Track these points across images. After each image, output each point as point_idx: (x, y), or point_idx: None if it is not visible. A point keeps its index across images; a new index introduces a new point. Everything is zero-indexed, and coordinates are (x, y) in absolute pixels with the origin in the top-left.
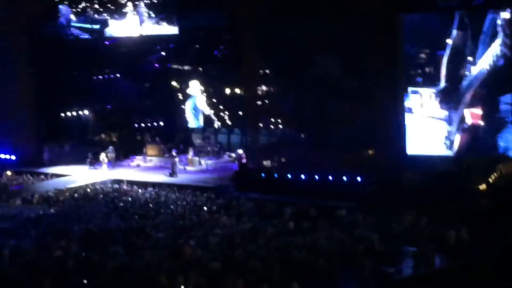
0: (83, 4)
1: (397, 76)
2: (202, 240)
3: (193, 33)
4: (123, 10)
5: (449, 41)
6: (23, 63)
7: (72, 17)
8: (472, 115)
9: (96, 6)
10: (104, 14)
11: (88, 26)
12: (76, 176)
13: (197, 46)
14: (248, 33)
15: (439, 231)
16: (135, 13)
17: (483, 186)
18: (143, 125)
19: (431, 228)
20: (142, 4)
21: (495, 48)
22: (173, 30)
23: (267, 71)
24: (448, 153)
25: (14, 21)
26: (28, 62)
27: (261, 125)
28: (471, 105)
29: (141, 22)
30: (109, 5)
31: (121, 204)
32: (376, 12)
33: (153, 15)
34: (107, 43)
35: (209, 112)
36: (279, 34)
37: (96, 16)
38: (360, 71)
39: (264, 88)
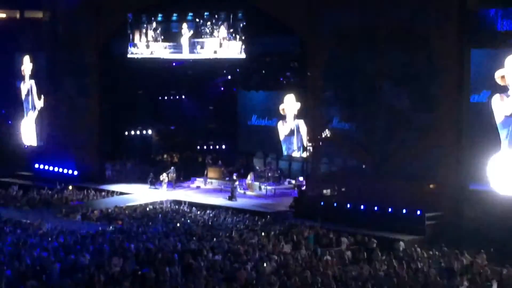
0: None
1: (463, 109)
2: (258, 265)
3: (260, 58)
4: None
5: None
6: (93, 79)
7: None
8: None
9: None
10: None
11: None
12: (136, 194)
13: (263, 71)
14: (317, 60)
15: (496, 269)
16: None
17: None
18: (205, 147)
19: (489, 266)
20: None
21: None
22: (241, 54)
23: (333, 99)
24: None
25: (89, 37)
26: (97, 79)
27: (323, 152)
28: None
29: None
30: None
31: (179, 224)
32: (450, 47)
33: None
34: (174, 64)
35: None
36: (349, 63)
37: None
38: (429, 103)
39: (328, 116)
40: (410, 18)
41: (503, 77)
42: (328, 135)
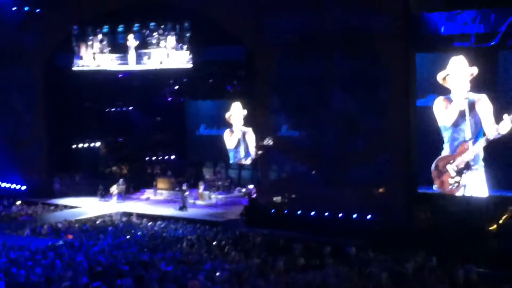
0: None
1: (410, 113)
2: (210, 274)
3: (207, 67)
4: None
5: None
6: (39, 93)
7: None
8: None
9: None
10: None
11: None
12: (86, 207)
13: (211, 80)
14: (264, 68)
15: (448, 271)
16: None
17: (493, 227)
18: (154, 158)
19: (440, 268)
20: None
21: None
22: (187, 64)
23: (281, 107)
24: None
25: (34, 51)
26: (43, 92)
27: (272, 160)
28: None
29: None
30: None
31: (130, 236)
32: (394, 51)
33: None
34: (121, 75)
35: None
36: (296, 70)
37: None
38: (377, 108)
39: (277, 123)
40: (356, 23)
41: (444, 78)
42: (278, 143)
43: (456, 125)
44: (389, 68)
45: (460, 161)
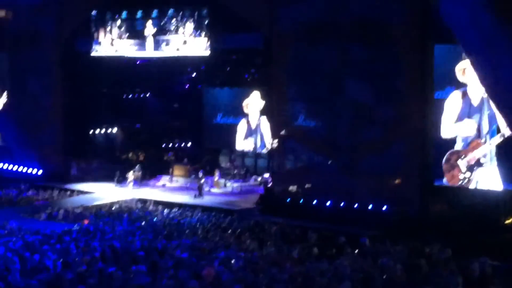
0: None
1: (427, 104)
2: (225, 262)
3: (224, 55)
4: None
5: None
6: (57, 77)
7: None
8: None
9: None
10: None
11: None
12: (102, 193)
13: (228, 68)
14: (281, 57)
15: (463, 263)
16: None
17: (508, 220)
18: (170, 145)
19: (454, 260)
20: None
21: None
22: (205, 51)
23: (297, 95)
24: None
25: (52, 36)
26: (61, 78)
27: (288, 149)
28: None
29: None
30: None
31: (145, 223)
32: (411, 41)
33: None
34: (138, 62)
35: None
36: (312, 59)
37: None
38: (393, 99)
39: (293, 112)
40: (373, 12)
41: (463, 70)
42: (294, 132)
43: (470, 120)
44: (405, 58)
45: (472, 157)
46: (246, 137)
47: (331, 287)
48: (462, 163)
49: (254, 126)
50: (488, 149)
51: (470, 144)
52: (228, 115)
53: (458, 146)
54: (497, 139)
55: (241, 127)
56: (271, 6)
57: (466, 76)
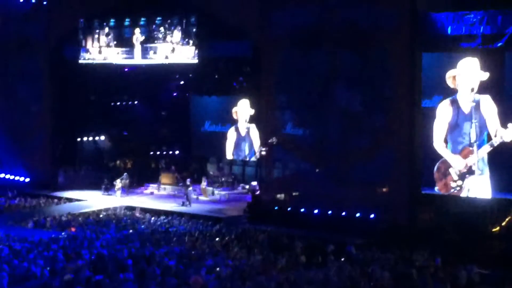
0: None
1: (415, 113)
2: (213, 270)
3: (212, 63)
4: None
5: None
6: (45, 84)
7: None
8: None
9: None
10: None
11: None
12: (89, 201)
13: (216, 76)
14: (270, 65)
15: (450, 271)
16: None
17: (496, 228)
18: (158, 153)
19: (442, 268)
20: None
21: None
22: (193, 59)
23: (286, 103)
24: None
25: (41, 43)
26: (49, 85)
27: (276, 157)
28: None
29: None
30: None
31: (133, 231)
32: (399, 49)
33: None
34: (126, 69)
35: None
36: (301, 67)
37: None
38: (382, 107)
39: (282, 120)
40: (363, 20)
41: (454, 78)
42: (282, 140)
43: (460, 128)
44: (394, 66)
45: (463, 165)
46: (235, 145)
47: None
48: (453, 171)
49: (243, 134)
50: (477, 157)
51: (461, 152)
52: (216, 123)
53: (449, 154)
54: (487, 147)
55: (231, 135)
56: (259, 14)
57: (457, 84)
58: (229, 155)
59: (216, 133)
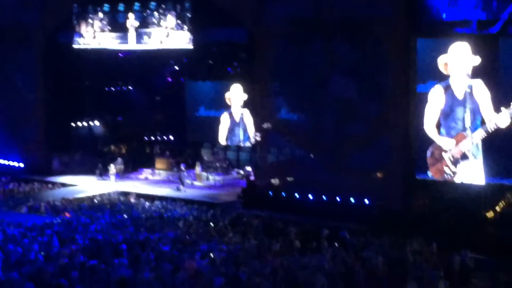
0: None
1: (410, 99)
2: (207, 255)
3: (207, 49)
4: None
5: None
6: (40, 70)
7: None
8: None
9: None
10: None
11: None
12: (84, 186)
13: (211, 61)
14: (265, 51)
15: (444, 257)
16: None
17: (490, 214)
18: (153, 138)
19: (436, 253)
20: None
21: None
22: (188, 44)
23: (281, 90)
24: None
25: (35, 29)
26: (44, 70)
27: (271, 143)
28: None
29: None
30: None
31: (127, 216)
32: (395, 36)
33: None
34: (121, 55)
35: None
36: (297, 54)
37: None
38: (376, 93)
39: (277, 106)
40: (358, 7)
41: (446, 64)
42: (277, 126)
43: (454, 113)
44: (389, 53)
45: (457, 151)
46: (229, 130)
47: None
48: (447, 156)
49: (237, 120)
50: (471, 142)
51: (455, 137)
52: (210, 108)
53: (443, 139)
54: (481, 132)
55: (224, 120)
56: (256, 1)
57: (449, 70)
58: (222, 141)
59: (210, 118)
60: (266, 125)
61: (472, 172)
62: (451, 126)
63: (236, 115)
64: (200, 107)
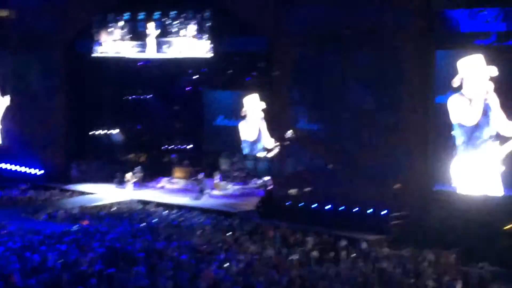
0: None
1: (428, 110)
2: (224, 265)
3: (226, 58)
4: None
5: None
6: (59, 78)
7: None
8: None
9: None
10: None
11: None
12: (102, 194)
13: (230, 71)
14: (284, 61)
15: (462, 269)
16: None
17: (508, 226)
18: (171, 147)
19: (454, 265)
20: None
21: None
22: (207, 53)
23: (299, 99)
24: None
25: (55, 37)
26: (63, 78)
27: (289, 152)
28: None
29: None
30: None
31: (145, 224)
32: (414, 47)
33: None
34: (140, 63)
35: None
36: (316, 64)
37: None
38: (395, 104)
39: (295, 116)
40: (377, 17)
41: (462, 79)
42: (295, 136)
43: (476, 123)
44: (409, 63)
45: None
46: (248, 139)
47: None
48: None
49: (255, 129)
50: (506, 152)
51: (480, 148)
52: (228, 118)
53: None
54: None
55: (242, 129)
56: (275, 10)
57: (466, 84)
58: (242, 150)
59: (229, 127)
60: (288, 134)
61: (490, 183)
62: (474, 136)
63: (254, 124)
64: (218, 116)
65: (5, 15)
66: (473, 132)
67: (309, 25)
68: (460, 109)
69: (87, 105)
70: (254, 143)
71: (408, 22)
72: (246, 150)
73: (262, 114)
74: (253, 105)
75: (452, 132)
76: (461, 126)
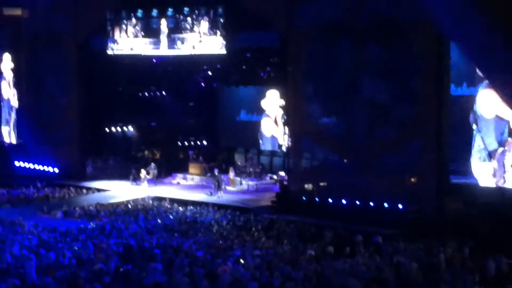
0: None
1: (443, 102)
2: (240, 260)
3: (240, 54)
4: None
5: None
6: (73, 76)
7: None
8: None
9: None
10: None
11: None
12: (118, 191)
13: (244, 67)
14: (297, 55)
15: (478, 262)
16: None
17: None
18: (186, 143)
19: (470, 259)
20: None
21: None
22: (221, 49)
23: (313, 94)
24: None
25: (69, 34)
26: (77, 76)
27: (304, 147)
28: None
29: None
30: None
31: (161, 221)
32: (427, 38)
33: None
34: (154, 60)
35: (282, 133)
36: (329, 57)
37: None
38: (409, 97)
39: (310, 111)
40: (389, 10)
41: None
42: (310, 131)
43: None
44: (422, 55)
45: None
46: (264, 135)
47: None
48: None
49: (273, 124)
50: None
51: (505, 143)
52: (243, 113)
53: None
54: None
55: (263, 125)
56: (287, 5)
57: None
58: (258, 145)
59: (244, 123)
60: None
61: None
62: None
63: (272, 120)
64: (233, 112)
65: (19, 14)
66: (494, 125)
67: (322, 19)
68: (494, 102)
69: (101, 102)
70: (271, 138)
71: (421, 12)
72: (263, 146)
73: (281, 110)
74: (271, 101)
75: (473, 125)
76: (482, 118)
